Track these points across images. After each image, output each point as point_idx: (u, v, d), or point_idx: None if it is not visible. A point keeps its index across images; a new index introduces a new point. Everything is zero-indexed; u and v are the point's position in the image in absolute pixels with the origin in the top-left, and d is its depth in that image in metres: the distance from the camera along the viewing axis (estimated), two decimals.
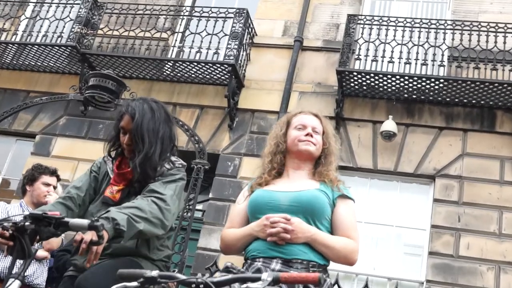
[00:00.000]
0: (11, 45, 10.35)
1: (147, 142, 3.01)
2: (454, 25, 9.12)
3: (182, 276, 2.08)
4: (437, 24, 9.12)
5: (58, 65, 10.35)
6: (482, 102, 8.87)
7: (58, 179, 4.96)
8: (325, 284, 2.54)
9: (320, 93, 9.54)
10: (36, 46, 9.99)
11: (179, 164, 3.11)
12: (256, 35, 10.11)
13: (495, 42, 8.68)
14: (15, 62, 10.58)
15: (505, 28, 8.81)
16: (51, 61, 10.30)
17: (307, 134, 2.87)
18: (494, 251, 8.15)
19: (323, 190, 2.78)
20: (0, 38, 10.33)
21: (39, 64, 10.44)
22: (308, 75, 9.75)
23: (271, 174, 2.89)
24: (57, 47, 9.87)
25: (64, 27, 10.04)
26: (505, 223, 8.30)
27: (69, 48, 9.78)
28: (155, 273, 2.04)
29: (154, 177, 3.01)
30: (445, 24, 9.13)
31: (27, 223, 2.45)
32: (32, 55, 10.24)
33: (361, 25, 9.38)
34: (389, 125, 8.82)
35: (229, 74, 9.33)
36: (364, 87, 9.12)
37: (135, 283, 2.05)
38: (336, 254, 2.67)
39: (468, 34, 8.87)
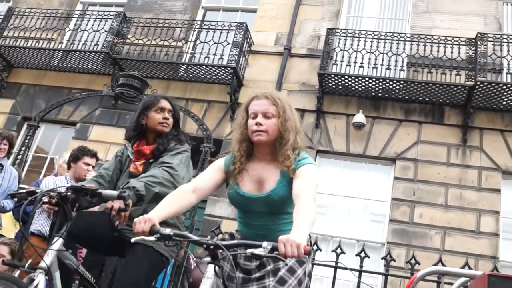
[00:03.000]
0: (58, 52, 10.41)
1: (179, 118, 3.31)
2: (412, 37, 9.10)
3: (194, 237, 2.01)
4: (399, 36, 9.06)
5: (95, 67, 10.33)
6: (433, 99, 8.84)
7: (97, 160, 4.96)
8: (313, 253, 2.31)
9: (304, 91, 9.51)
10: (77, 52, 10.00)
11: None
12: (253, 44, 10.06)
13: (444, 51, 8.66)
14: (60, 65, 10.58)
15: (452, 41, 8.80)
16: (89, 64, 10.29)
17: (256, 124, 2.41)
18: (441, 219, 8.18)
19: (284, 178, 2.40)
20: (50, 46, 10.36)
21: (80, 66, 10.41)
22: (294, 76, 9.69)
23: (242, 162, 2.47)
24: (94, 53, 9.88)
25: (99, 37, 10.04)
26: (450, 197, 8.32)
27: (103, 54, 9.80)
28: (169, 230, 2.00)
29: (167, 149, 3.08)
30: (405, 37, 9.06)
31: (69, 193, 2.56)
32: (74, 59, 10.23)
33: (338, 37, 9.33)
34: (359, 117, 8.81)
35: (231, 75, 9.32)
36: (340, 87, 9.07)
37: (152, 238, 2.01)
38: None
39: (423, 45, 8.85)
